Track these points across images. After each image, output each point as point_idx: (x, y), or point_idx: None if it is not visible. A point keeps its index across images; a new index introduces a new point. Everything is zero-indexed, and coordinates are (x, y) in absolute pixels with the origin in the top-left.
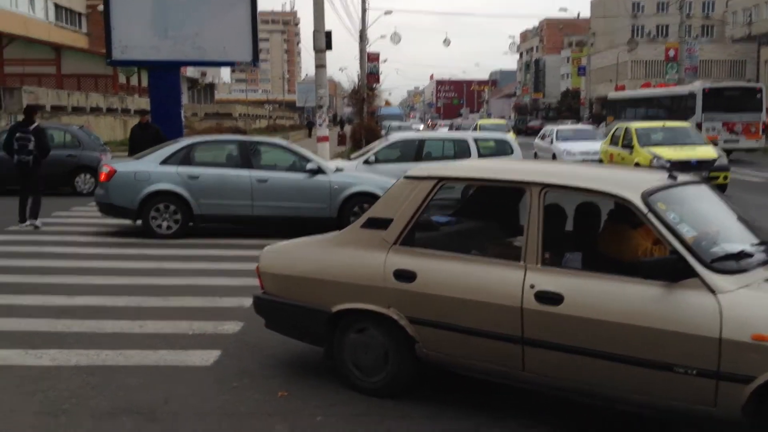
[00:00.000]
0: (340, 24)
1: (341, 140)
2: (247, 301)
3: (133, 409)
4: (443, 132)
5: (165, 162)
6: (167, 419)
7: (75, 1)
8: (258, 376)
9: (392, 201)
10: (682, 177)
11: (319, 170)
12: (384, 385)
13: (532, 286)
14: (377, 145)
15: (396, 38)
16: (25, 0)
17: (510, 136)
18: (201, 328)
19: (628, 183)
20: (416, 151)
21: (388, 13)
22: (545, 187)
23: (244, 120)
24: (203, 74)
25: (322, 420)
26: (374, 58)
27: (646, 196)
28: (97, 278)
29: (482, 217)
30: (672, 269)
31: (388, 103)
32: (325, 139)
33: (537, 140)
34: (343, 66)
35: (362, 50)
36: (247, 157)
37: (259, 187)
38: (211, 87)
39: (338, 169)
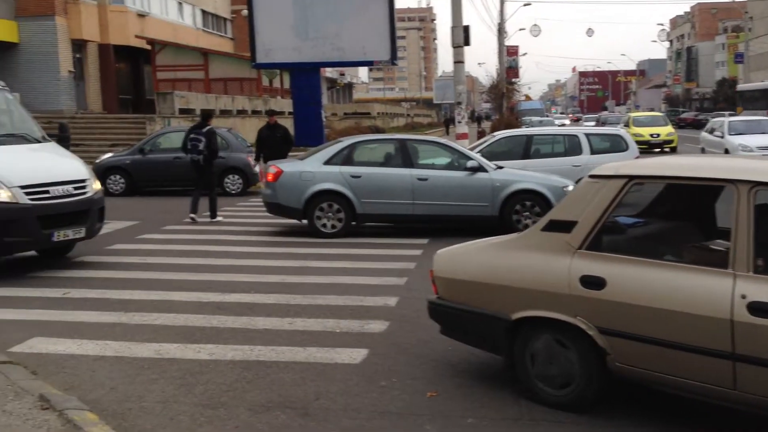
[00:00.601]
0: (478, 18)
1: (480, 137)
2: (392, 301)
3: (286, 404)
4: (553, 127)
5: (328, 162)
6: (319, 415)
7: (221, 7)
8: (406, 375)
9: (576, 202)
10: None
11: (480, 168)
12: (572, 400)
13: (743, 297)
14: (485, 142)
15: (536, 30)
16: (174, 8)
17: (624, 132)
18: (348, 327)
19: None
20: (524, 148)
21: (527, 4)
22: (756, 185)
23: (382, 119)
24: (342, 74)
25: (474, 422)
26: (513, 51)
27: None
28: (248, 276)
29: (673, 219)
30: None
31: (528, 98)
32: (464, 136)
33: (704, 134)
34: (481, 61)
35: (501, 44)
36: (408, 155)
37: (419, 186)
38: (349, 87)
39: (499, 167)
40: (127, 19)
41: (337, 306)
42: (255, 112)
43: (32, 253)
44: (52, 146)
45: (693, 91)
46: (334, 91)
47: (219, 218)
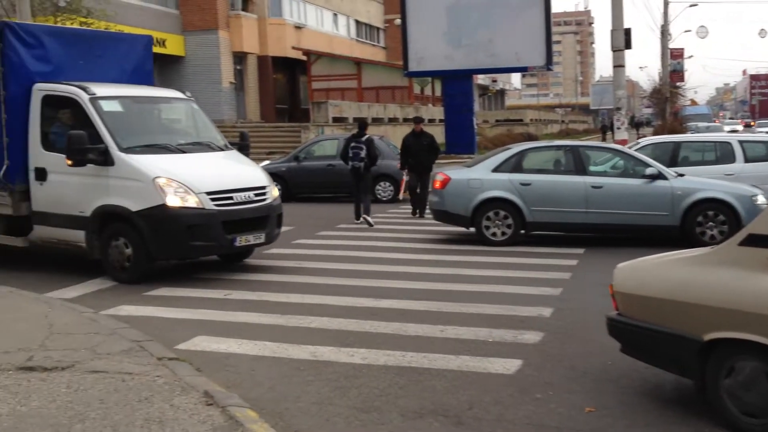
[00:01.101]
0: (640, 20)
1: None
2: (547, 311)
3: (438, 412)
4: (706, 134)
5: (497, 169)
6: (472, 425)
7: (374, 17)
8: (562, 388)
9: None
10: None
11: (659, 175)
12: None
13: None
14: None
15: (703, 32)
16: (330, 19)
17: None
18: (501, 336)
19: None
20: (671, 155)
21: (693, 5)
22: None
23: (535, 125)
24: (494, 81)
25: None
26: (678, 54)
27: None
28: (400, 282)
29: None
30: None
31: (693, 102)
32: (623, 142)
33: None
34: (643, 65)
35: (664, 46)
36: (581, 162)
37: (593, 194)
38: (501, 93)
39: (679, 174)
40: (284, 32)
41: (490, 315)
42: (406, 120)
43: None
44: (234, 154)
45: None
46: (486, 98)
47: (370, 222)
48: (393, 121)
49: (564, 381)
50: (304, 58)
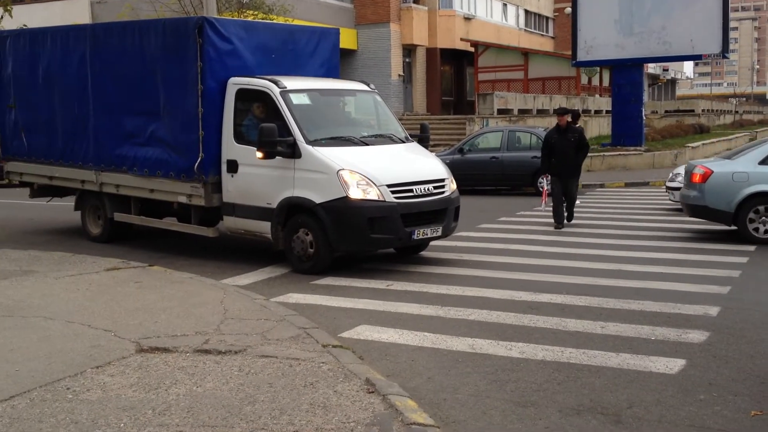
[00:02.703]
0: None
1: None
2: (714, 310)
3: (597, 409)
4: None
5: (764, 161)
6: (632, 424)
7: (544, 6)
8: (727, 390)
9: None
10: None
11: None
12: None
13: None
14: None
15: None
16: (499, 9)
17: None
18: (663, 335)
19: None
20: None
21: None
22: None
23: (707, 116)
24: (665, 70)
25: None
26: None
27: None
28: (560, 276)
29: None
30: None
31: None
32: None
33: None
34: None
35: None
36: None
37: None
38: (672, 83)
39: None
40: (454, 23)
41: (653, 312)
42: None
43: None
44: (415, 146)
45: None
46: (656, 88)
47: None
48: None
49: (729, 383)
50: (472, 49)
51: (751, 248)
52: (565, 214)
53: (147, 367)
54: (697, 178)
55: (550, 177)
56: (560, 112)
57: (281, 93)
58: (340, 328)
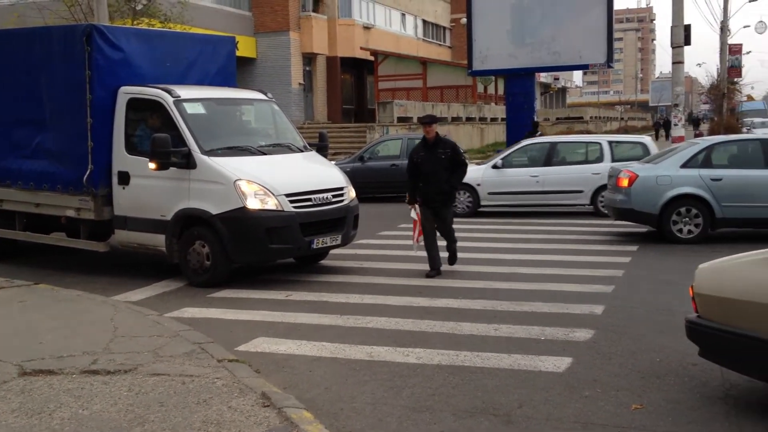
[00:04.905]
0: (700, 16)
1: None
2: (599, 309)
3: (490, 411)
4: (579, 135)
5: (686, 165)
6: (522, 423)
7: (441, 17)
8: (610, 386)
9: None
10: None
11: None
12: None
13: None
14: (509, 150)
15: (761, 27)
16: (398, 19)
17: (648, 140)
18: (552, 335)
19: None
20: (546, 155)
21: (752, 0)
22: None
23: (595, 123)
24: (556, 79)
25: None
26: (736, 50)
27: None
28: (456, 281)
29: None
30: None
31: (750, 98)
32: (680, 139)
33: None
34: (701, 61)
35: (723, 42)
36: None
37: None
38: (563, 91)
39: None
40: (354, 32)
41: (543, 313)
42: (469, 119)
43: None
44: (313, 155)
45: None
46: (548, 96)
47: None
48: (456, 120)
49: (612, 378)
50: (372, 58)
51: (634, 248)
52: (446, 254)
53: (30, 391)
54: (623, 182)
55: (417, 206)
56: (426, 120)
57: (175, 102)
58: (236, 341)
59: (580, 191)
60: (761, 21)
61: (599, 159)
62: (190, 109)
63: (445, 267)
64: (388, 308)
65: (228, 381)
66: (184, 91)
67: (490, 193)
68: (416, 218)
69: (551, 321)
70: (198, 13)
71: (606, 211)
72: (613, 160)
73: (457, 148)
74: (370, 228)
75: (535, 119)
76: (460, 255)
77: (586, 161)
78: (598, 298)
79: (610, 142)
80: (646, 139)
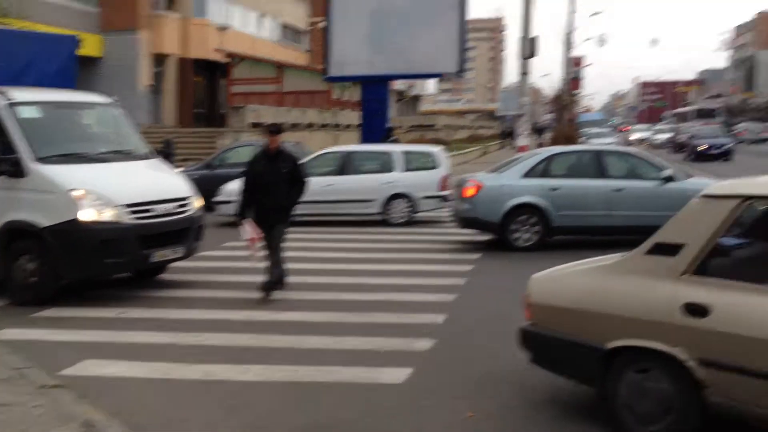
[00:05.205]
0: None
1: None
2: (440, 318)
3: (331, 425)
4: (398, 145)
5: (527, 174)
6: None
7: (299, 19)
8: (447, 395)
9: (684, 223)
10: None
11: (672, 177)
12: None
13: None
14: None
15: (601, 40)
16: (254, 20)
17: (438, 150)
18: (394, 345)
19: None
20: (341, 164)
21: (595, 14)
22: None
23: (446, 131)
24: (410, 86)
25: None
26: (578, 62)
27: None
28: (302, 293)
29: None
30: None
31: (588, 109)
32: (524, 149)
33: None
34: (547, 72)
35: (566, 55)
36: (603, 166)
37: (615, 197)
38: (416, 99)
39: (688, 176)
40: (207, 33)
41: (387, 324)
42: (324, 126)
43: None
44: (157, 163)
45: (749, 102)
46: (402, 103)
47: None
48: (311, 126)
49: (450, 387)
50: (226, 60)
51: (476, 256)
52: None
53: None
54: (468, 192)
55: (248, 223)
56: (274, 129)
57: (7, 105)
58: (61, 365)
59: (371, 200)
60: (602, 35)
61: (391, 168)
62: (24, 113)
63: (283, 286)
64: (229, 323)
65: (48, 409)
66: (19, 94)
67: None
68: (250, 236)
69: (394, 331)
70: (40, 8)
71: (394, 221)
72: (405, 170)
73: (297, 164)
74: (216, 239)
75: (388, 126)
76: (304, 266)
77: (379, 170)
78: (440, 307)
79: (402, 152)
80: (436, 149)
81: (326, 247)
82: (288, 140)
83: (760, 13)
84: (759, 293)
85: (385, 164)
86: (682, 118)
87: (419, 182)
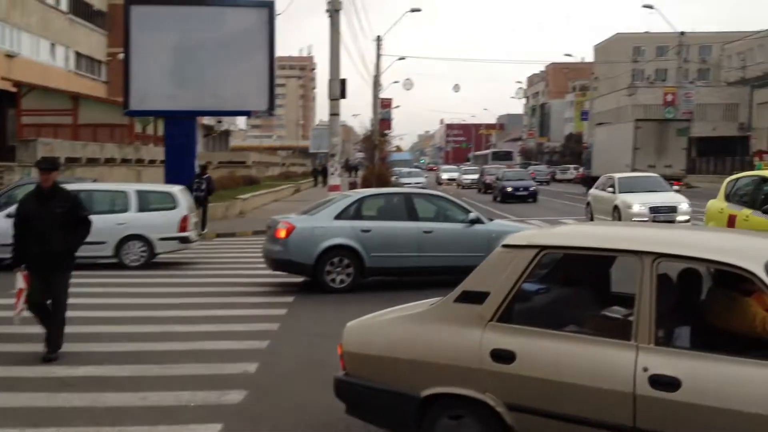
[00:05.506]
0: (355, 71)
1: (352, 188)
2: (252, 367)
3: None
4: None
5: (339, 216)
6: None
7: (96, 49)
8: None
9: (488, 272)
10: None
11: (478, 220)
12: None
13: (645, 369)
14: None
15: (408, 84)
16: (46, 48)
17: (178, 190)
18: (204, 399)
19: (748, 252)
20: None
21: (401, 59)
22: (659, 257)
23: (258, 168)
24: (219, 121)
25: None
26: (387, 104)
27: None
28: (101, 345)
29: (573, 284)
30: None
31: (398, 149)
32: (336, 188)
33: (594, 190)
34: (357, 112)
35: (375, 96)
36: (413, 208)
37: (425, 238)
38: (226, 134)
39: (490, 219)
40: None
41: (196, 375)
42: (125, 161)
43: None
44: None
45: (545, 145)
46: (211, 139)
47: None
48: (110, 161)
49: None
50: (15, 89)
51: (290, 299)
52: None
53: None
54: (280, 233)
55: (21, 272)
56: (45, 166)
57: None
58: None
59: (103, 242)
60: (408, 78)
61: (125, 209)
62: None
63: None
64: (17, 381)
65: None
66: None
67: None
68: (22, 286)
69: (204, 384)
70: None
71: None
72: (140, 210)
73: (78, 201)
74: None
75: (197, 163)
76: (102, 314)
77: (112, 211)
78: (252, 355)
79: (138, 192)
80: (175, 188)
81: (132, 292)
82: (85, 177)
83: (550, 64)
84: (557, 339)
85: (119, 204)
86: (483, 159)
87: (156, 223)
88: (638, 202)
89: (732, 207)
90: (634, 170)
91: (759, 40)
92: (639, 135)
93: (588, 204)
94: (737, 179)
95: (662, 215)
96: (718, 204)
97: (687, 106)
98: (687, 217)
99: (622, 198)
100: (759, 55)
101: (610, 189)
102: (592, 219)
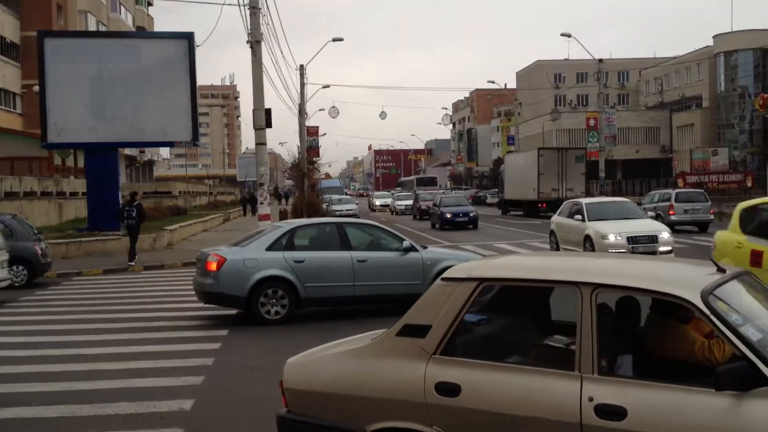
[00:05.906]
0: (279, 99)
1: (283, 217)
2: (188, 404)
3: None
4: None
5: (271, 248)
6: None
7: (11, 81)
8: None
9: (429, 305)
10: (730, 269)
11: (412, 248)
12: None
13: (590, 399)
14: None
15: (334, 112)
16: None
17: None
18: None
19: (685, 282)
20: None
21: (325, 87)
22: (597, 287)
23: (184, 198)
24: (142, 151)
25: None
26: (313, 132)
27: (706, 296)
28: (28, 385)
29: (513, 314)
30: (743, 377)
31: (328, 176)
32: (266, 217)
33: (558, 218)
34: (284, 140)
35: (301, 125)
36: (346, 238)
37: (359, 267)
38: (150, 164)
39: (424, 247)
40: None
41: (128, 415)
42: (45, 194)
43: None
44: None
45: (474, 170)
46: (134, 169)
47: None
48: (30, 194)
49: None
50: None
51: (224, 332)
52: None
53: None
54: (211, 266)
55: None
56: None
57: None
58: None
59: None
60: (334, 106)
61: None
62: None
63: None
64: None
65: None
66: None
67: None
68: None
69: (137, 423)
70: None
71: None
72: None
73: None
74: None
75: (120, 194)
76: (22, 353)
77: None
78: (187, 392)
79: None
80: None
81: (56, 329)
82: (6, 212)
83: (474, 91)
84: (502, 370)
85: None
86: (410, 185)
87: None
88: (613, 232)
89: (754, 241)
90: (540, 194)
91: (674, 66)
92: (542, 162)
93: (552, 233)
94: (755, 207)
95: (641, 246)
96: (732, 236)
97: (609, 131)
98: (669, 248)
99: (594, 227)
100: (675, 80)
101: (578, 216)
102: (558, 249)
